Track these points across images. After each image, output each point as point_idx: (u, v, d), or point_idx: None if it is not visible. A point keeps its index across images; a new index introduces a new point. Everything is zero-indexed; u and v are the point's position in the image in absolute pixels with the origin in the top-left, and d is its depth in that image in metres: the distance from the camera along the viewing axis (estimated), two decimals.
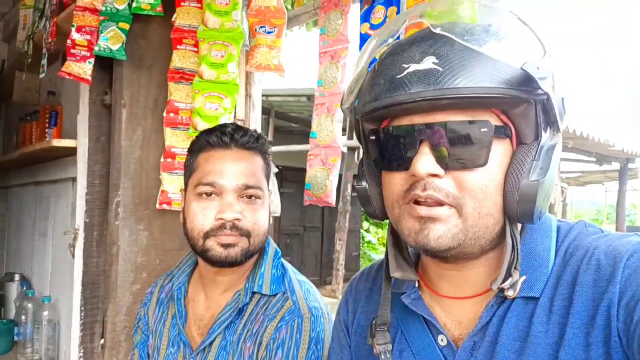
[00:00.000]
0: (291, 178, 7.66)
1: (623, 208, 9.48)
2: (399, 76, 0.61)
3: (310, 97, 6.07)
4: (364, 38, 1.31)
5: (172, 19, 1.65)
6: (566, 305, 0.61)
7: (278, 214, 1.61)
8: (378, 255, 10.75)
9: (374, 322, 0.75)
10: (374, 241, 10.99)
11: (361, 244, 10.36)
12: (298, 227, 8.39)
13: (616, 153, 8.21)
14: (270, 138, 6.67)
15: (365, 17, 1.30)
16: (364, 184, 0.74)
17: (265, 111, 6.65)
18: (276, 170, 1.21)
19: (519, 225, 0.68)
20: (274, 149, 1.30)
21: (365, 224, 10.69)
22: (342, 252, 6.83)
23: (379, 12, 1.28)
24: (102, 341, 1.72)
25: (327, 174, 1.38)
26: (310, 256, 8.71)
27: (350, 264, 8.58)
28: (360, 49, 1.34)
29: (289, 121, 7.46)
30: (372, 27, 1.29)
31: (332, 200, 1.38)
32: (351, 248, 8.81)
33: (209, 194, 1.03)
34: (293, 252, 8.19)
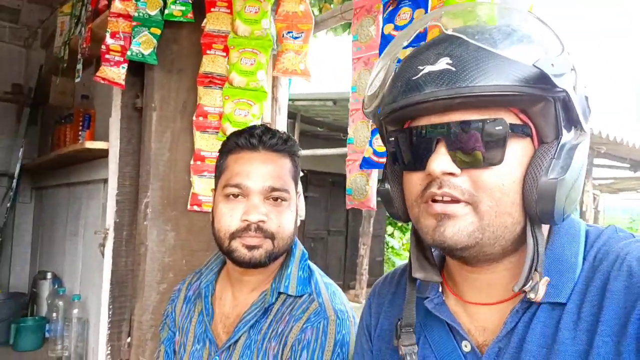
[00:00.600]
0: (316, 182, 7.67)
1: None
2: (414, 78, 0.63)
3: (336, 102, 6.08)
4: (386, 39, 1.31)
5: (202, 25, 1.69)
6: (595, 313, 0.59)
7: (302, 218, 1.62)
8: (402, 260, 10.64)
9: (399, 323, 0.75)
10: (397, 246, 10.90)
11: (385, 250, 10.28)
12: (322, 231, 8.39)
13: None
14: None
15: (389, 18, 1.30)
16: (387, 185, 0.75)
17: (291, 115, 6.69)
18: (301, 174, 1.23)
19: (546, 229, 0.67)
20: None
21: (390, 229, 10.62)
22: (366, 257, 6.81)
23: (405, 13, 1.27)
24: (128, 339, 1.75)
25: (366, 179, 1.39)
26: (334, 260, 8.69)
27: (374, 269, 8.53)
28: (380, 49, 1.34)
29: (314, 125, 7.48)
30: (397, 28, 1.29)
31: (373, 204, 1.40)
32: (375, 253, 8.76)
33: (235, 195, 1.05)
34: (317, 256, 8.19)
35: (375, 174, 1.41)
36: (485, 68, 0.59)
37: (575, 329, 0.60)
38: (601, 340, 0.57)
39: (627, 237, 0.65)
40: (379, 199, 0.88)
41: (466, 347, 0.69)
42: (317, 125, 7.48)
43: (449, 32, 0.62)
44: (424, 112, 0.64)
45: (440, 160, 0.62)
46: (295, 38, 1.57)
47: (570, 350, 0.60)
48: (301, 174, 1.25)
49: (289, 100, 2.02)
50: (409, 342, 0.73)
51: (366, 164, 1.33)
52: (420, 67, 0.63)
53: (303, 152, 1.17)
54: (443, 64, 0.61)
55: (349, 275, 8.64)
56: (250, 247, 1.03)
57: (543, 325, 0.63)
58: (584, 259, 0.65)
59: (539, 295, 0.62)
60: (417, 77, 0.62)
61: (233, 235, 1.03)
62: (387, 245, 10.50)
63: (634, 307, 0.56)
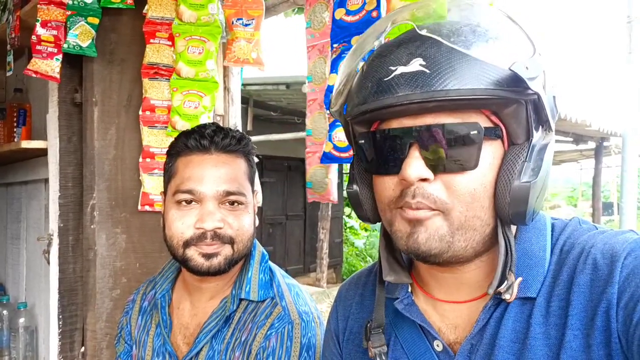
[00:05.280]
0: (271, 167, 7.59)
1: (599, 185, 9.67)
2: (386, 79, 0.60)
3: (289, 85, 5.99)
4: (338, 24, 1.27)
5: (144, 11, 1.58)
6: (563, 307, 0.60)
7: (259, 204, 1.58)
8: (360, 240, 10.79)
9: (368, 325, 0.74)
10: (357, 226, 11.03)
11: (343, 230, 10.39)
12: (280, 216, 8.34)
13: (593, 133, 8.34)
14: (249, 127, 6.58)
15: (340, 3, 1.26)
16: (355, 187, 0.72)
17: (244, 100, 6.54)
18: (257, 160, 1.18)
19: (513, 226, 0.67)
20: (254, 138, 1.25)
21: (347, 210, 10.72)
22: (325, 241, 6.84)
23: None
24: (82, 349, 1.66)
25: (326, 171, 1.36)
26: (293, 245, 8.68)
27: (333, 251, 8.60)
28: (331, 35, 1.30)
29: (268, 110, 7.36)
30: (348, 12, 1.26)
31: (334, 197, 1.38)
32: (334, 235, 8.82)
33: (188, 202, 0.98)
34: (276, 241, 8.15)
35: (334, 166, 1.39)
36: (460, 70, 0.57)
37: (546, 324, 0.61)
38: (572, 334, 0.58)
39: (591, 229, 0.66)
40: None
41: (438, 346, 0.69)
42: (271, 110, 7.36)
43: (423, 32, 0.59)
44: (396, 114, 0.61)
45: (415, 165, 0.60)
46: (246, 25, 1.49)
47: (541, 345, 0.60)
48: (256, 159, 1.20)
49: (241, 85, 1.94)
50: (378, 344, 0.73)
51: (326, 158, 1.30)
52: (392, 68, 0.60)
53: (257, 138, 1.11)
54: (416, 65, 0.58)
55: (309, 259, 8.67)
56: (208, 255, 0.97)
57: (514, 320, 0.63)
58: (551, 252, 0.65)
59: (513, 295, 0.62)
60: (389, 78, 0.60)
61: (187, 243, 0.97)
62: (346, 225, 10.59)
63: (600, 300, 0.57)
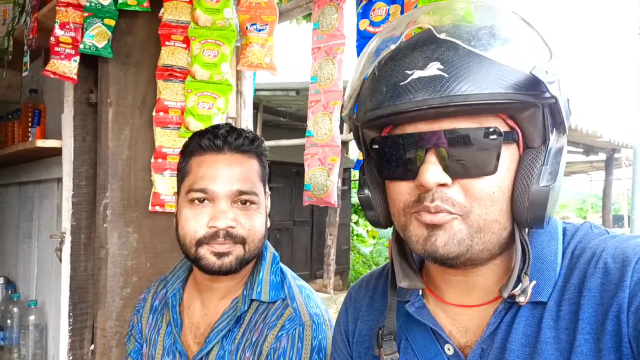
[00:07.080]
0: (280, 173, 7.61)
1: (609, 197, 9.59)
2: (402, 83, 0.59)
3: (299, 92, 6.02)
4: (363, 35, 1.27)
5: (160, 14, 1.60)
6: (574, 310, 0.60)
7: (269, 209, 1.58)
8: (367, 247, 10.75)
9: (380, 332, 0.74)
10: (364, 234, 11.00)
11: (351, 238, 10.36)
12: (288, 221, 8.35)
13: (603, 144, 8.29)
14: (258, 133, 6.61)
15: (364, 14, 1.27)
16: (367, 192, 0.72)
17: (254, 106, 6.57)
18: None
19: (526, 230, 0.67)
20: None
21: (355, 217, 10.70)
22: (333, 247, 6.83)
23: (380, 9, 1.24)
24: (92, 347, 1.67)
25: (327, 174, 1.34)
26: (300, 251, 8.68)
27: (340, 258, 8.58)
28: (357, 46, 1.31)
29: (277, 116, 7.40)
30: (372, 23, 1.26)
31: (334, 200, 1.35)
32: (341, 242, 8.80)
33: (201, 200, 0.99)
34: (283, 247, 8.15)
35: (336, 168, 1.36)
36: (479, 74, 0.56)
37: (556, 328, 0.60)
38: (582, 338, 0.58)
39: (602, 234, 0.66)
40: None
41: (449, 350, 0.69)
42: (280, 116, 7.41)
43: (442, 35, 0.58)
44: (412, 119, 0.61)
45: (433, 171, 0.59)
46: (260, 30, 1.50)
47: (552, 349, 0.60)
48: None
49: (254, 90, 1.96)
50: (390, 351, 0.72)
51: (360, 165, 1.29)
52: (409, 72, 0.59)
53: (266, 143, 1.12)
54: (434, 69, 0.58)
55: (316, 265, 8.66)
56: (220, 254, 0.97)
57: (525, 324, 0.63)
58: (563, 256, 0.65)
59: (526, 298, 0.62)
60: (405, 82, 0.59)
61: (200, 242, 0.98)
62: (353, 233, 10.57)
63: (610, 304, 0.57)
